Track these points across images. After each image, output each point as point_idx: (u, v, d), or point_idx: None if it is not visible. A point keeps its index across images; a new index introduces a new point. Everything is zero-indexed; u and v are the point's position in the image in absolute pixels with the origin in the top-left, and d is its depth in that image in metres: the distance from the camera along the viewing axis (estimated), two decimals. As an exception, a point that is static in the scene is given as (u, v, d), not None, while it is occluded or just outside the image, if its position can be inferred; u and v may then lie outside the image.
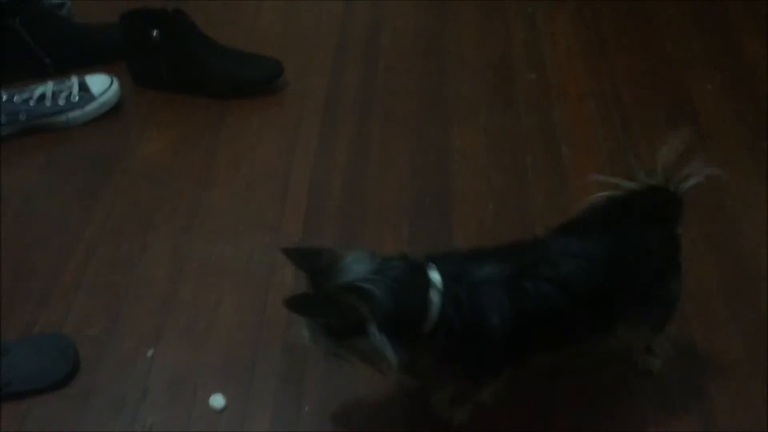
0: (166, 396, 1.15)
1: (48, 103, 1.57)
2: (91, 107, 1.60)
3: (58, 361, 1.17)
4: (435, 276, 0.95)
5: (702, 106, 1.61)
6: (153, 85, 1.68)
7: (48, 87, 1.58)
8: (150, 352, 1.20)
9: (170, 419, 1.12)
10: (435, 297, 0.94)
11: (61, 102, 1.58)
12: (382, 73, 1.73)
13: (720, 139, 1.54)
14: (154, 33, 1.60)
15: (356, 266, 0.93)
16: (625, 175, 1.04)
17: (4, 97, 1.56)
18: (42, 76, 1.63)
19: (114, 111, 1.62)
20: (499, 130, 1.59)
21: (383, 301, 0.91)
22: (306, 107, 1.65)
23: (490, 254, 1.00)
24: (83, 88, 1.60)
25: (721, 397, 1.12)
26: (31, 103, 1.56)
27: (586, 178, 1.45)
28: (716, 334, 1.20)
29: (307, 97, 1.67)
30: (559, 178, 1.47)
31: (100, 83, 1.62)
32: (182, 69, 1.64)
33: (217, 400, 1.14)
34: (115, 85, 1.62)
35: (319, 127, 1.60)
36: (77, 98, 1.59)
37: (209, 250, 1.36)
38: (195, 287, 1.29)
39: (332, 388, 1.14)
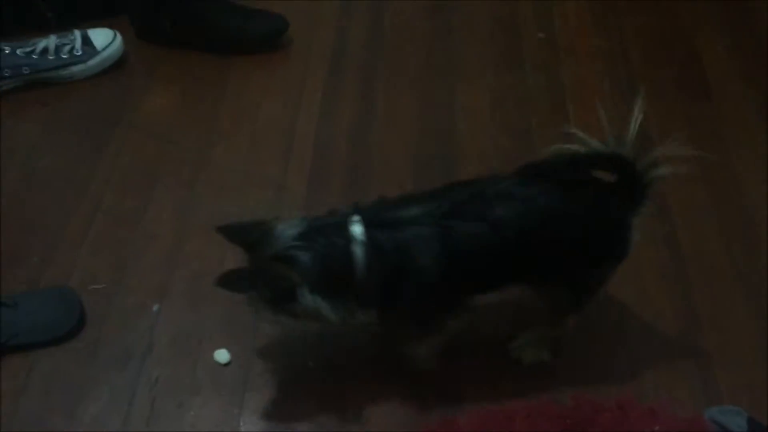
0: (171, 350, 1.16)
1: (51, 56, 1.55)
2: (94, 61, 1.59)
3: (64, 315, 1.18)
4: (357, 229, 0.96)
5: (711, 67, 1.59)
6: (156, 39, 1.66)
7: (51, 41, 1.56)
8: (155, 307, 1.21)
9: (176, 373, 1.13)
10: (358, 250, 0.95)
11: (64, 56, 1.56)
12: (388, 31, 1.71)
13: (728, 101, 1.52)
14: (158, -14, 1.58)
15: (285, 234, 0.96)
16: (598, 136, 0.99)
17: (7, 50, 1.54)
18: (44, 30, 1.61)
19: (117, 66, 1.61)
20: (505, 89, 1.57)
21: (308, 264, 0.94)
22: (311, 64, 1.63)
23: (422, 196, 1.00)
24: (86, 42, 1.58)
25: (722, 355, 1.13)
26: (34, 56, 1.55)
27: (593, 137, 1.47)
28: (719, 293, 1.21)
29: (312, 53, 1.66)
30: (565, 138, 1.46)
31: (103, 37, 1.60)
32: (186, 23, 1.62)
33: (222, 355, 1.15)
34: (118, 40, 1.61)
35: (324, 84, 1.58)
36: (80, 52, 1.57)
37: (214, 205, 1.36)
38: (200, 243, 1.29)
39: (334, 345, 1.15)
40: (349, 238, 0.96)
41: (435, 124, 1.51)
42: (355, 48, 1.67)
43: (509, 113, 1.53)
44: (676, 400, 1.06)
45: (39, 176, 1.42)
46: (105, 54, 1.59)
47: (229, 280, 0.97)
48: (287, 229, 0.97)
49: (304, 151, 1.45)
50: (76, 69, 1.58)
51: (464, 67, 1.62)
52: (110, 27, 1.62)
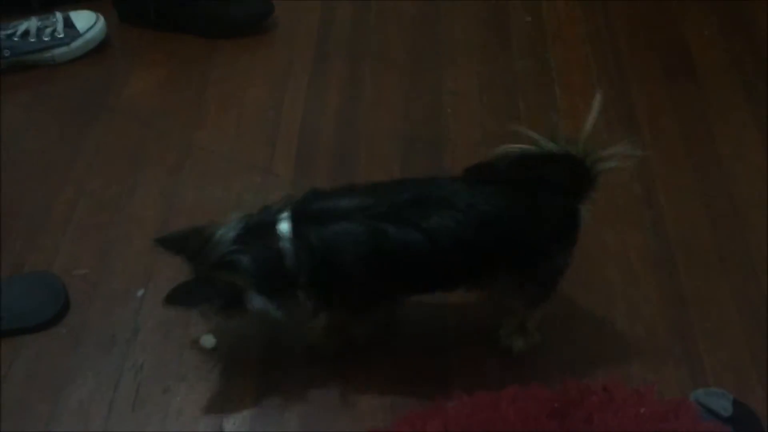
0: (156, 335, 1.15)
1: (32, 39, 1.53)
2: (76, 44, 1.56)
3: (48, 300, 1.17)
4: (284, 227, 0.96)
5: (698, 51, 1.59)
6: (140, 22, 1.64)
7: (32, 23, 1.54)
8: (140, 292, 1.20)
9: (161, 358, 1.13)
10: (287, 249, 0.95)
11: (46, 38, 1.54)
12: (375, 14, 1.70)
13: (714, 85, 1.52)
14: (141, -32, 1.56)
15: (224, 239, 0.96)
16: (548, 133, 0.97)
17: (-13, 33, 1.52)
18: (26, 12, 1.59)
19: (100, 49, 1.59)
20: (492, 73, 1.57)
21: (249, 267, 0.95)
22: (297, 47, 1.62)
23: (361, 190, 1.00)
24: (68, 24, 1.56)
25: (707, 338, 1.14)
26: (15, 39, 1.53)
27: (581, 121, 1.47)
28: (703, 277, 1.21)
29: (298, 37, 1.64)
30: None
31: (85, 20, 1.58)
32: (170, 6, 1.60)
33: (208, 340, 1.14)
34: (101, 22, 1.59)
35: (311, 68, 1.57)
36: (62, 35, 1.55)
37: (199, 190, 1.34)
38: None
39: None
40: (278, 237, 0.96)
41: (422, 108, 1.50)
42: (341, 32, 1.66)
43: (497, 98, 1.52)
44: (662, 383, 1.07)
45: (21, 161, 1.40)
46: (87, 37, 1.57)
47: (177, 297, 0.96)
48: (226, 233, 0.97)
49: (291, 136, 1.44)
50: (58, 52, 1.55)
51: (451, 52, 1.61)
52: (93, 9, 1.60)
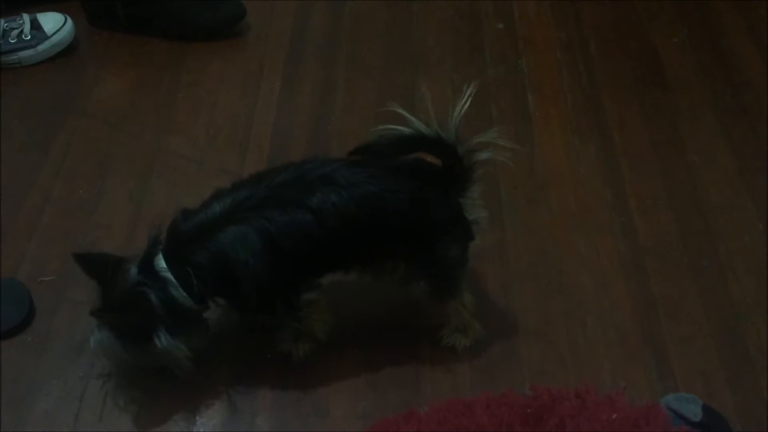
0: (124, 343, 1.13)
1: (-2, 40, 1.51)
2: (43, 47, 1.54)
3: (13, 308, 1.15)
4: (160, 264, 0.96)
5: (667, 58, 1.61)
6: (109, 25, 1.62)
7: (-2, 24, 1.52)
8: (108, 299, 1.18)
9: (128, 367, 1.10)
10: (170, 279, 0.95)
11: (12, 40, 1.52)
12: (348, 19, 1.69)
13: (683, 92, 1.54)
14: (110, -31, 1.54)
15: (131, 273, 0.97)
16: (423, 117, 0.98)
17: (-48, 34, 1.49)
18: (-9, 13, 1.57)
19: (68, 51, 1.57)
20: (465, 79, 1.56)
21: (156, 302, 0.95)
22: (269, 51, 1.61)
23: (235, 186, 1.00)
24: (35, 26, 1.54)
25: (677, 343, 1.15)
26: (-20, 40, 1.50)
27: (553, 127, 1.48)
28: (673, 283, 1.22)
29: (271, 41, 1.63)
30: (525, 128, 1.47)
31: (53, 22, 1.55)
32: (140, 8, 1.58)
33: (178, 348, 1.12)
34: (69, 24, 1.56)
35: (283, 72, 1.56)
36: (29, 37, 1.53)
37: (168, 196, 1.33)
38: (154, 234, 1.26)
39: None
40: (158, 272, 0.96)
41: (394, 113, 1.49)
42: (314, 36, 1.65)
43: (469, 103, 1.52)
44: (632, 388, 1.07)
45: (-15, 165, 1.38)
46: (55, 39, 1.55)
47: (100, 312, 0.98)
48: (133, 269, 0.97)
49: (263, 140, 1.43)
50: (24, 54, 1.53)
51: (424, 57, 1.61)
52: (61, 11, 1.58)
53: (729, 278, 1.23)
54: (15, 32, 1.52)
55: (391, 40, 1.65)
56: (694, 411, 1.01)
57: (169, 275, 0.96)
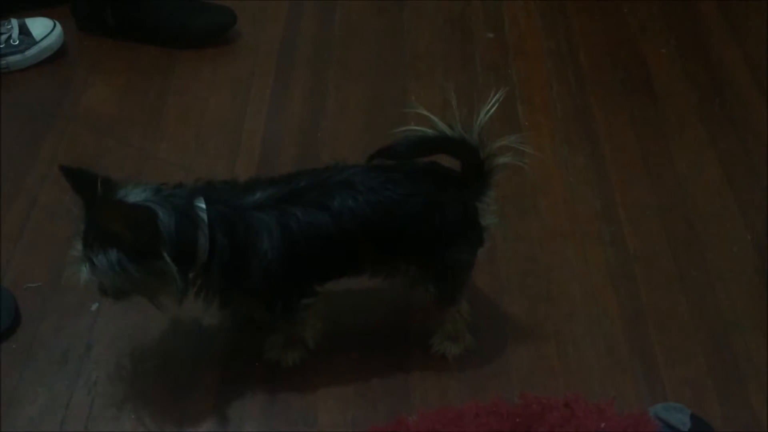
0: (111, 351, 1.12)
1: (-14, 45, 1.50)
2: (31, 52, 1.53)
3: (-2, 315, 1.13)
4: (201, 206, 0.94)
5: (655, 68, 1.62)
6: (98, 30, 1.61)
7: (-15, 29, 1.51)
8: (94, 306, 1.17)
9: (115, 374, 1.10)
10: (204, 228, 0.93)
11: (0, 45, 1.50)
12: (339, 27, 1.70)
13: (672, 102, 1.55)
14: (100, -26, 1.54)
15: (135, 193, 0.93)
16: (446, 120, 0.98)
17: (-61, 38, 1.48)
18: (-21, 18, 1.56)
19: (56, 57, 1.56)
20: (455, 87, 1.57)
21: (167, 221, 0.91)
22: (259, 58, 1.61)
23: (265, 182, 1.00)
24: (24, 31, 1.53)
25: (666, 353, 1.15)
26: (-32, 45, 1.49)
27: (542, 136, 1.48)
28: (662, 293, 1.23)
29: (261, 48, 1.63)
30: (515, 137, 1.47)
31: (41, 27, 1.54)
32: (129, 14, 1.58)
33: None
34: (58, 30, 1.56)
35: (273, 79, 1.56)
36: (17, 42, 1.52)
37: (157, 202, 1.32)
38: (142, 240, 1.25)
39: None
40: (197, 215, 0.94)
41: (385, 120, 1.49)
42: (304, 43, 1.65)
43: (459, 112, 1.52)
44: (621, 398, 1.07)
45: (-28, 170, 1.37)
46: (43, 44, 1.54)
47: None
48: (136, 190, 0.93)
49: (253, 147, 1.43)
50: (12, 59, 1.52)
51: (415, 65, 1.62)
52: (50, 16, 1.57)
53: (717, 288, 1.23)
54: (3, 37, 1.51)
55: (381, 48, 1.66)
56: (682, 420, 1.01)
57: (204, 215, 0.94)
